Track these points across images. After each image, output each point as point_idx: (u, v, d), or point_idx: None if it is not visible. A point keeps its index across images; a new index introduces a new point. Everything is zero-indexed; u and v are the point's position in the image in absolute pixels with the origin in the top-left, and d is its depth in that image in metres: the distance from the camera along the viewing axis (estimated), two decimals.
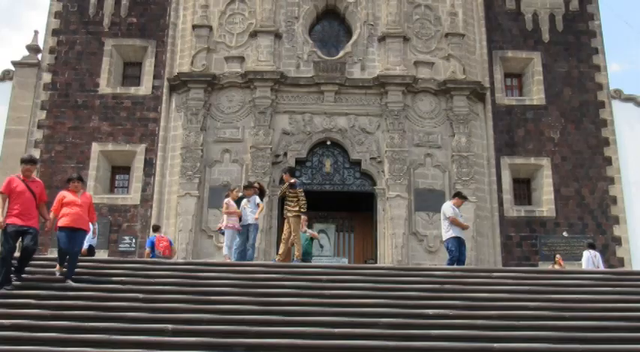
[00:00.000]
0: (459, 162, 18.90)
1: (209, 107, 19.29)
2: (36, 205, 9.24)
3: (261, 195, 13.07)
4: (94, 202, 10.63)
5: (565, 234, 19.39)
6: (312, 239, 14.13)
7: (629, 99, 20.93)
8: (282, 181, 16.33)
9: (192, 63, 19.62)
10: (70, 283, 9.21)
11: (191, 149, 18.74)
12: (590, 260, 14.94)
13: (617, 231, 19.40)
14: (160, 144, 19.57)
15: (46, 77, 20.32)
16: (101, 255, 17.45)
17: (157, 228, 15.11)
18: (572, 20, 21.42)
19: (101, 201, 19.00)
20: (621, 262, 18.95)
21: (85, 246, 12.29)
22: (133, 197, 19.27)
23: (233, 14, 20.10)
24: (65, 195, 9.69)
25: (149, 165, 19.50)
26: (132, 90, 20.41)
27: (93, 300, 8.65)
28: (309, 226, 16.25)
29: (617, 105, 20.71)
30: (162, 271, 10.06)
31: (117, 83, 20.62)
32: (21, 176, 9.26)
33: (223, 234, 12.74)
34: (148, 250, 14.20)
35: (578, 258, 16.61)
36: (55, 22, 20.72)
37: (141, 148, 19.68)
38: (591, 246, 15.53)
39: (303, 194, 12.31)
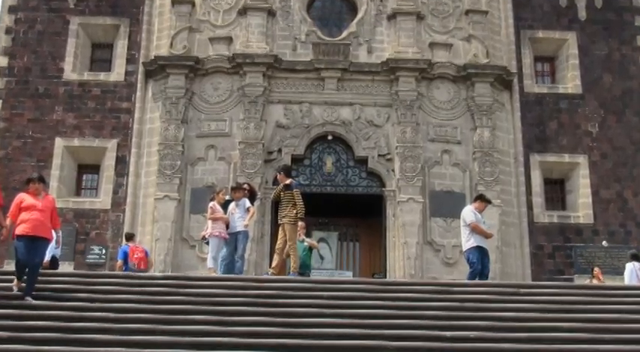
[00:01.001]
0: (482, 159, 18.90)
1: (191, 96, 19.28)
2: None
3: (252, 198, 13.04)
4: (57, 206, 10.61)
5: (605, 243, 19.38)
6: (310, 249, 14.12)
7: None
8: (276, 182, 16.30)
9: (171, 45, 19.61)
10: (30, 300, 9.19)
11: (170, 145, 18.73)
12: (634, 273, 14.91)
13: None
14: (134, 139, 19.56)
15: (2, 61, 20.32)
16: (66, 267, 17.41)
17: (130, 237, 15.09)
18: None
19: (66, 205, 18.99)
20: None
21: (47, 257, 12.26)
22: (103, 200, 19.26)
23: None
24: (24, 198, 9.67)
25: (122, 163, 19.49)
26: (101, 76, 20.40)
27: (56, 320, 8.63)
28: (308, 234, 16.23)
29: None
30: (137, 287, 10.04)
31: (84, 68, 20.61)
32: None
33: (208, 243, 12.72)
34: (120, 262, 14.19)
35: (620, 271, 16.57)
36: None
37: (112, 144, 19.67)
38: (635, 258, 15.49)
39: (300, 197, 12.29)
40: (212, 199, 12.83)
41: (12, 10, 20.69)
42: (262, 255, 18.03)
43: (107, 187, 19.34)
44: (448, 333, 8.63)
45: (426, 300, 9.84)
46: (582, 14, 21.22)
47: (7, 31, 20.54)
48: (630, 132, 20.39)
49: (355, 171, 19.28)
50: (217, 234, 12.32)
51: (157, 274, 13.03)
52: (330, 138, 19.32)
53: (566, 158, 20.18)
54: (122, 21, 20.65)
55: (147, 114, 19.79)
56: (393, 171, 18.85)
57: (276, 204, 14.16)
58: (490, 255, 12.77)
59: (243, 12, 19.73)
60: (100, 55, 21.10)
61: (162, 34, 20.32)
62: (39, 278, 9.63)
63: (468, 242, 12.13)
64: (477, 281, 11.61)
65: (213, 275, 11.83)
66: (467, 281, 11.71)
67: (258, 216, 17.45)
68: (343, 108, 19.36)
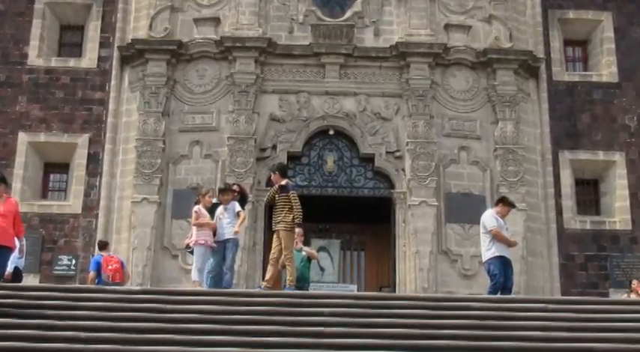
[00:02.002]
0: (504, 157, 18.90)
1: (173, 85, 19.28)
2: None
3: (243, 201, 13.04)
4: (21, 211, 10.60)
5: None
6: (309, 259, 14.12)
7: None
8: (270, 183, 16.28)
9: (150, 26, 19.61)
10: None
11: (149, 140, 18.74)
12: None
13: None
14: (108, 135, 19.56)
15: None
16: (31, 280, 17.41)
17: (104, 245, 15.08)
18: None
19: (30, 209, 18.98)
20: None
21: (10, 268, 12.24)
22: (73, 204, 19.26)
23: None
24: None
25: (94, 161, 19.49)
26: (71, 62, 20.40)
27: (19, 341, 8.62)
28: (306, 242, 16.21)
29: None
30: (112, 302, 10.03)
31: (52, 53, 20.61)
32: None
33: (192, 252, 12.72)
34: (92, 274, 14.18)
35: None
36: None
37: (83, 139, 19.67)
38: None
39: (297, 200, 12.29)
40: (197, 202, 12.82)
41: None
42: (254, 266, 18.02)
43: (77, 189, 19.33)
44: None
45: (440, 318, 9.83)
46: None
47: None
48: None
49: (360, 171, 19.28)
50: (203, 242, 12.31)
51: (135, 288, 13.01)
52: (331, 132, 19.32)
53: (601, 156, 20.18)
54: (95, 0, 20.63)
55: (123, 106, 19.79)
56: (403, 170, 18.84)
57: (270, 208, 14.15)
58: (514, 265, 12.78)
59: None
60: (69, 39, 21.09)
61: (140, 15, 20.31)
62: (0, 291, 9.61)
63: (489, 251, 12.12)
64: (499, 295, 11.60)
65: (199, 289, 11.82)
66: (488, 295, 11.70)
67: (249, 221, 17.44)
68: (346, 98, 19.35)
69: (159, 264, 18.13)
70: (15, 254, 11.65)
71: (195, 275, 12.42)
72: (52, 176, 20.10)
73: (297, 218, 12.20)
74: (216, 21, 19.66)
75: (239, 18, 19.53)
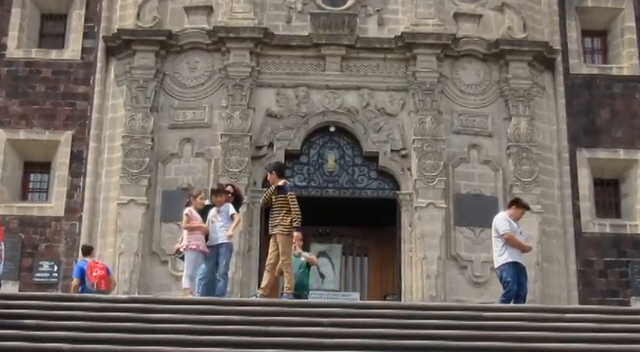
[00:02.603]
0: (518, 156, 18.90)
1: (162, 78, 19.29)
2: None
3: (237, 202, 13.03)
4: None
5: None
6: (308, 265, 14.11)
7: None
8: (266, 183, 16.27)
9: (138, 16, 19.61)
10: None
11: (137, 138, 18.74)
12: None
13: None
14: (92, 132, 19.56)
15: None
16: (9, 288, 17.39)
17: (88, 250, 15.06)
18: None
19: (9, 211, 18.99)
20: None
21: None
22: (55, 206, 19.26)
23: None
24: None
25: (77, 160, 19.49)
26: (53, 54, 20.39)
27: None
28: (306, 247, 16.20)
29: None
30: (97, 311, 10.03)
31: (32, 44, 20.60)
32: None
33: (183, 258, 12.72)
34: (76, 281, 14.16)
35: None
36: None
37: (66, 137, 19.66)
38: None
39: (296, 201, 12.29)
40: (188, 204, 12.82)
41: None
42: (249, 272, 18.03)
43: (60, 190, 19.33)
44: None
45: (449, 328, 9.83)
46: None
47: None
48: None
49: (363, 170, 19.29)
50: (194, 247, 12.31)
51: (121, 296, 13.01)
52: (332, 129, 19.32)
53: (621, 154, 20.17)
54: None
55: (108, 101, 19.79)
56: (409, 170, 18.85)
57: (266, 211, 14.14)
58: (528, 272, 12.77)
59: None
60: (50, 29, 21.08)
61: (127, 3, 20.31)
62: None
63: (502, 256, 12.12)
64: (512, 304, 11.60)
65: (190, 297, 11.82)
66: (500, 304, 11.70)
67: (244, 224, 17.43)
68: (348, 93, 19.36)
69: (147, 270, 18.12)
70: None
71: (186, 282, 12.41)
72: (32, 176, 20.10)
73: (295, 221, 12.18)
74: (208, 9, 19.66)
75: (233, 6, 19.54)
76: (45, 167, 19.88)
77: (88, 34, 20.35)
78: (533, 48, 19.66)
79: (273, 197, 12.39)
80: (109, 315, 9.89)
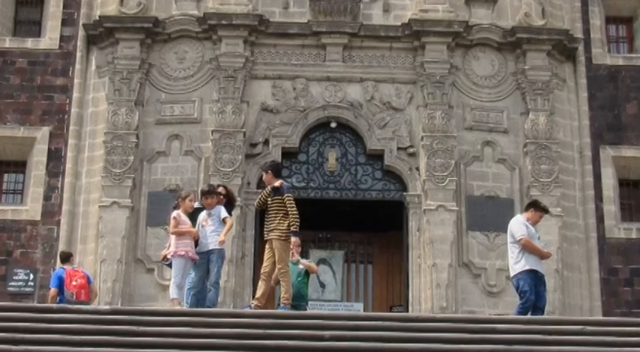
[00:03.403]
0: (536, 154, 18.90)
1: (148, 69, 19.29)
2: None
3: (229, 205, 13.03)
4: None
5: None
6: (307, 274, 14.12)
7: None
8: (261, 184, 16.26)
9: (121, 1, 19.60)
10: None
11: (120, 134, 18.74)
12: None
13: None
14: (72, 128, 19.56)
15: None
16: None
17: (67, 257, 15.07)
18: None
19: None
20: None
21: None
22: (31, 209, 19.24)
23: None
24: None
25: (55, 159, 19.48)
26: (28, 43, 20.37)
27: None
28: (304, 254, 16.19)
29: None
30: (77, 324, 10.02)
31: (5, 32, 20.58)
32: None
33: (170, 265, 12.72)
34: (53, 291, 14.17)
35: None
36: None
37: (43, 133, 19.65)
38: None
39: (294, 204, 12.30)
40: (176, 207, 12.82)
41: None
42: (243, 281, 18.02)
43: (36, 191, 19.31)
44: None
45: (461, 342, 9.82)
46: None
47: None
48: None
49: (367, 170, 19.28)
50: (183, 253, 12.31)
51: (103, 307, 13.01)
52: (333, 125, 19.32)
53: None
54: None
55: (89, 94, 19.78)
56: (417, 169, 18.85)
57: (261, 214, 14.14)
58: (547, 281, 12.78)
59: None
60: (26, 16, 21.05)
61: None
62: None
63: (518, 264, 12.12)
64: (529, 316, 11.61)
65: (178, 308, 11.83)
66: (516, 316, 11.70)
67: (237, 229, 17.43)
68: (351, 85, 19.36)
69: (131, 279, 18.12)
70: None
71: (173, 292, 12.41)
72: (5, 176, 20.07)
73: (293, 225, 12.19)
74: None
75: None
76: (20, 166, 19.86)
77: (67, 21, 20.32)
78: (553, 36, 19.65)
79: (269, 199, 12.39)
80: (89, 328, 9.89)
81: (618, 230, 19.63)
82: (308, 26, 19.36)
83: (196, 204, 12.88)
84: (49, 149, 19.55)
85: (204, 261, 12.33)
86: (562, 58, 20.09)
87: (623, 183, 20.23)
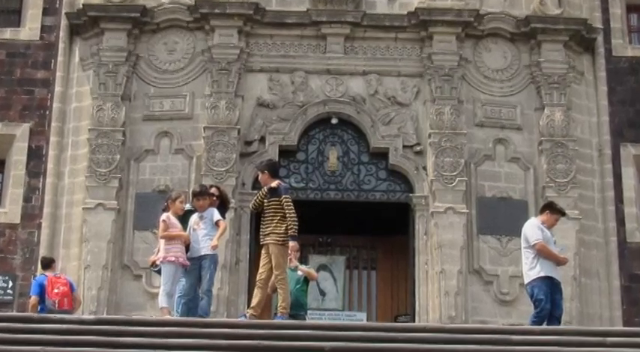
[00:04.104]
0: (552, 152, 18.91)
1: (136, 62, 19.30)
2: None
3: (223, 207, 13.04)
4: None
5: None
6: (307, 281, 14.13)
7: None
8: (257, 185, 16.26)
9: None
10: None
11: (106, 132, 18.74)
12: None
13: None
14: (53, 124, 19.56)
15: None
16: None
17: (49, 263, 15.07)
18: None
19: None
20: None
21: None
22: (10, 211, 19.25)
23: None
24: None
25: (36, 157, 19.48)
26: (7, 33, 20.37)
27: None
28: (303, 260, 16.18)
29: None
30: (59, 334, 10.02)
31: None
32: None
33: (159, 272, 12.72)
34: (34, 299, 14.18)
35: None
36: None
37: (22, 130, 19.65)
38: None
39: (292, 206, 12.30)
40: (165, 209, 12.82)
41: None
42: (237, 289, 18.04)
43: (15, 192, 19.31)
44: None
45: None
46: None
47: None
48: None
49: (370, 170, 19.29)
50: (173, 259, 12.30)
51: (88, 317, 13.01)
52: (334, 121, 19.33)
53: None
54: None
55: (72, 88, 19.79)
56: (424, 169, 18.86)
57: (257, 217, 14.14)
58: (564, 288, 12.78)
59: None
60: (4, 4, 21.04)
61: None
62: None
63: (533, 270, 12.12)
64: (544, 327, 11.61)
65: (168, 318, 11.83)
66: (531, 326, 11.71)
67: (231, 233, 17.44)
68: (353, 78, 19.38)
69: (117, 286, 18.13)
70: None
71: (163, 300, 12.41)
72: None
73: (291, 229, 12.18)
74: None
75: None
76: None
77: (49, 9, 20.31)
78: (570, 26, 19.64)
79: (266, 201, 12.39)
80: (73, 339, 9.89)
81: None
82: (307, 15, 19.36)
83: (187, 206, 12.88)
84: (30, 147, 19.54)
85: (196, 267, 12.33)
86: (580, 50, 20.09)
87: None
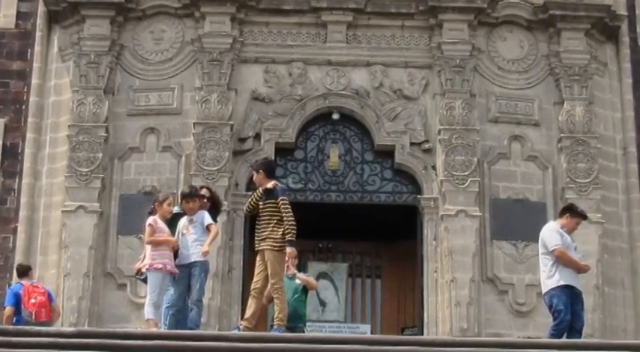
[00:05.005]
0: (572, 150, 18.91)
1: (120, 52, 19.31)
2: None
3: (215, 210, 13.05)
4: None
5: None
6: (305, 290, 14.14)
7: None
8: (251, 185, 16.26)
9: None
10: None
11: (87, 128, 18.74)
12: None
13: None
14: (30, 120, 19.56)
15: None
16: None
17: (25, 271, 15.09)
18: None
19: None
20: None
21: None
22: None
23: None
24: None
25: (11, 156, 19.48)
26: None
27: None
28: (302, 267, 16.18)
29: None
30: (36, 348, 10.01)
31: None
32: None
33: (145, 280, 12.73)
34: (9, 310, 14.19)
35: None
36: None
37: None
38: None
39: (289, 208, 12.30)
40: (152, 212, 12.83)
41: None
42: (230, 299, 18.05)
43: None
44: None
45: None
46: None
47: None
48: None
49: (375, 169, 19.31)
50: (160, 266, 12.31)
51: (67, 329, 13.01)
52: (335, 117, 19.34)
53: None
54: None
55: (50, 80, 19.79)
56: (433, 168, 18.87)
57: (252, 220, 14.15)
58: (585, 298, 12.78)
59: None
60: None
61: None
62: None
63: (551, 278, 12.12)
64: (564, 340, 11.61)
65: (155, 330, 11.84)
66: (549, 339, 11.71)
67: (223, 238, 17.45)
68: (356, 70, 19.39)
69: (100, 296, 18.13)
70: None
71: (149, 311, 12.42)
72: None
73: (288, 233, 12.19)
74: None
75: None
76: None
77: None
78: (592, 13, 19.64)
79: (261, 203, 12.40)
80: None
81: None
82: (306, 1, 19.36)
83: (176, 209, 12.89)
84: (4, 145, 19.54)
85: (185, 276, 12.34)
86: (602, 39, 20.08)
87: None
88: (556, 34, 19.48)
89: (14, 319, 13.96)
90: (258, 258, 12.45)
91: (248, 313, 12.46)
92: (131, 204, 18.22)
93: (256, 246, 12.47)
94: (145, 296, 13.10)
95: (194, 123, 18.71)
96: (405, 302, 20.24)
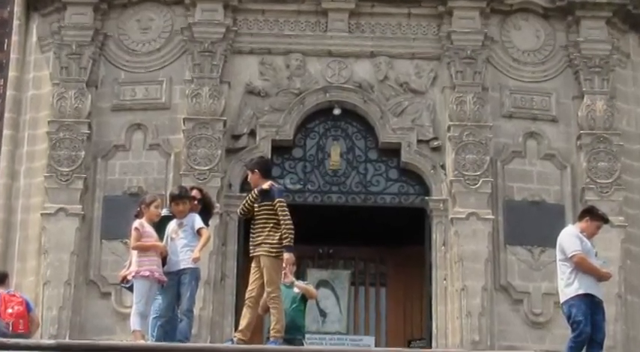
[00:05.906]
0: (593, 148, 18.92)
1: (103, 42, 19.33)
2: None
3: (206, 212, 13.05)
4: None
5: None
6: (304, 299, 14.15)
7: None
8: (245, 186, 16.28)
9: None
10: None
11: (69, 124, 18.76)
12: None
13: None
14: (7, 115, 19.57)
15: None
16: None
17: (1, 279, 15.10)
18: None
19: None
20: None
21: None
22: None
23: None
24: None
25: None
26: None
27: None
28: (300, 275, 16.19)
29: None
30: None
31: None
32: None
33: (131, 288, 12.74)
34: None
35: None
36: None
37: None
38: None
39: (287, 211, 12.30)
40: (138, 215, 12.84)
41: None
42: (223, 308, 18.07)
43: None
44: None
45: None
46: None
47: None
48: None
49: (379, 168, 19.32)
50: (148, 273, 12.32)
51: (47, 341, 13.03)
52: (337, 112, 19.36)
53: None
54: None
55: (29, 73, 19.82)
56: (442, 167, 18.89)
57: (247, 224, 14.16)
58: (607, 307, 12.79)
59: None
60: None
61: None
62: None
63: (570, 287, 12.12)
64: None
65: (141, 343, 11.85)
66: None
67: (216, 243, 17.46)
68: (359, 62, 19.42)
69: (82, 305, 18.16)
70: None
71: (135, 322, 12.43)
72: None
73: (286, 238, 12.18)
74: None
75: None
76: None
77: None
78: (614, 0, 19.66)
79: (256, 205, 12.39)
80: None
81: None
82: None
83: (164, 212, 12.90)
84: None
85: (174, 284, 12.33)
86: (625, 28, 20.09)
87: None
88: (575, 23, 19.50)
89: None
90: (253, 265, 12.44)
91: (242, 324, 12.44)
92: (116, 206, 18.23)
93: (251, 251, 12.45)
94: (130, 306, 13.08)
95: (184, 119, 18.74)
96: (412, 312, 20.26)
